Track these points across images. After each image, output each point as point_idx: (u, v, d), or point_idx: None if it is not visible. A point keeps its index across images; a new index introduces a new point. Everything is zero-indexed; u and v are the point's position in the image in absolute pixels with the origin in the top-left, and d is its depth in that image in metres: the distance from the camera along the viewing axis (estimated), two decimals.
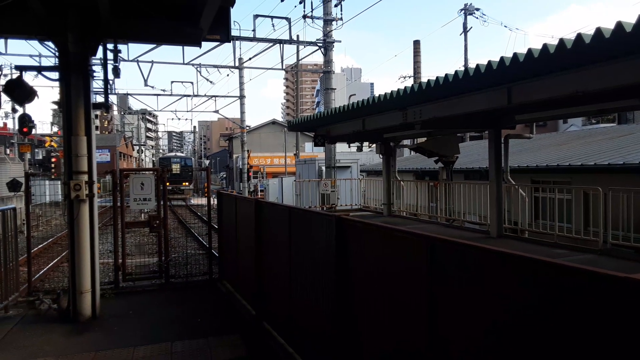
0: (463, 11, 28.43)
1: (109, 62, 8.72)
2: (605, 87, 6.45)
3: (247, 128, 35.55)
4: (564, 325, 2.17)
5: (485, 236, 11.43)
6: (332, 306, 4.31)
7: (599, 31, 5.43)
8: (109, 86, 8.88)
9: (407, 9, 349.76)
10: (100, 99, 10.32)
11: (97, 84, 8.43)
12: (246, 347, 6.42)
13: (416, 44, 31.35)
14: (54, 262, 12.78)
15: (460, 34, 28.99)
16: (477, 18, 28.67)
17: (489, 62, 7.05)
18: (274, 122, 51.95)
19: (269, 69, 20.62)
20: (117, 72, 8.96)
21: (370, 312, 3.77)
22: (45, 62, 17.57)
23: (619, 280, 1.92)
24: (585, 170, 12.97)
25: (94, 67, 7.96)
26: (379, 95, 9.84)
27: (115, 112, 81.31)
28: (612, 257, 8.69)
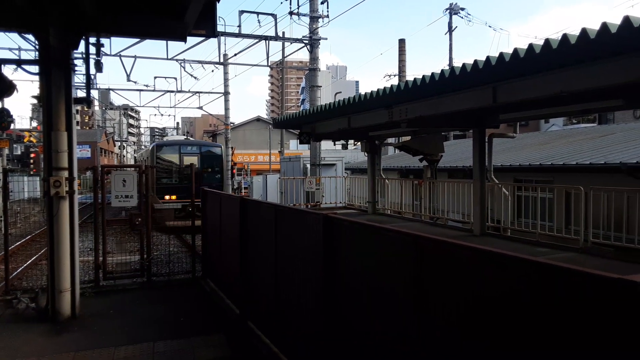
0: (448, 10, 28.60)
1: (91, 56, 8.54)
2: (590, 87, 6.51)
3: (232, 125, 35.28)
4: (529, 313, 2.29)
5: (468, 234, 11.51)
6: (320, 304, 4.27)
7: (584, 32, 5.47)
8: (90, 81, 8.69)
9: (393, 7, 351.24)
10: (81, 93, 10.13)
11: (78, 79, 8.25)
12: (230, 346, 6.34)
13: (401, 42, 31.45)
14: (32, 259, 12.50)
15: (445, 33, 29.18)
16: (462, 18, 28.87)
17: (475, 61, 7.07)
18: (258, 119, 51.69)
19: (254, 65, 20.51)
20: (99, 67, 8.77)
21: (359, 309, 3.74)
22: (25, 56, 17.16)
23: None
24: (567, 169, 13.15)
25: (76, 61, 7.78)
26: (365, 93, 9.83)
27: (97, 108, 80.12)
28: (592, 255, 8.81)
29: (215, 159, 20.95)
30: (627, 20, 4.95)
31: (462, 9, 28.45)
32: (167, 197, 18.92)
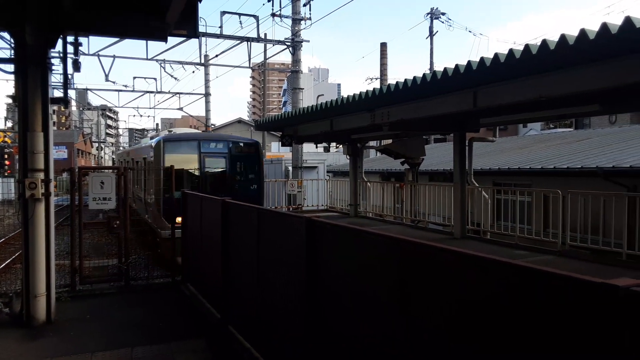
0: (429, 15, 28.90)
1: (68, 55, 8.38)
2: (568, 93, 6.63)
3: (213, 126, 34.99)
4: (511, 317, 2.31)
5: (449, 237, 11.61)
6: (303, 308, 4.24)
7: (563, 38, 5.56)
8: (68, 80, 8.52)
9: (375, 11, 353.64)
10: (58, 93, 9.91)
11: (55, 78, 8.09)
12: (211, 351, 6.25)
13: (383, 46, 31.66)
14: (6, 263, 12.18)
15: (427, 38, 29.47)
16: (442, 22, 29.22)
17: (457, 65, 7.14)
18: (239, 121, 51.39)
19: (236, 66, 20.39)
20: (77, 66, 8.60)
21: (343, 313, 3.72)
22: (0, 54, 16.72)
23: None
24: (545, 173, 13.37)
25: (53, 60, 7.62)
26: (348, 96, 9.84)
27: (74, 108, 78.60)
28: (570, 258, 8.97)
29: (251, 160, 14.06)
30: (604, 27, 5.05)
31: (443, 14, 28.80)
32: (179, 219, 10.21)
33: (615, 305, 1.88)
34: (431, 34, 29.11)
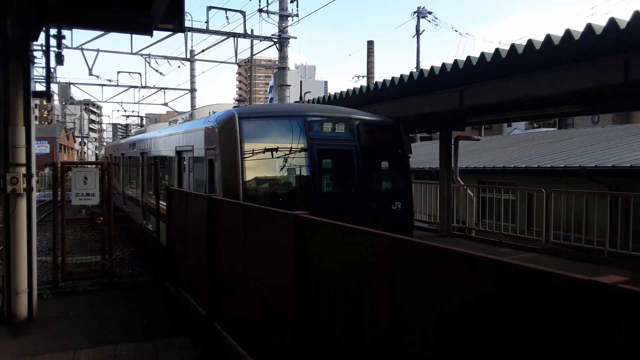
0: (416, 14, 29.00)
1: (51, 48, 8.22)
2: (553, 93, 6.71)
3: None
4: (504, 316, 2.29)
5: (434, 235, 11.70)
6: (290, 305, 4.22)
7: (548, 38, 5.62)
8: (50, 74, 8.36)
9: (362, 9, 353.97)
10: (40, 87, 9.73)
11: (37, 72, 7.93)
12: (196, 349, 6.21)
13: (370, 44, 31.71)
14: None
15: (413, 36, 29.57)
16: (429, 21, 29.42)
17: (443, 64, 7.18)
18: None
19: (222, 62, 20.23)
20: (60, 59, 8.46)
21: (333, 310, 3.71)
22: None
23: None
24: (529, 172, 13.54)
25: (35, 53, 7.47)
26: (335, 93, 9.84)
27: (57, 102, 77.32)
28: (553, 255, 9.11)
29: (390, 154, 8.25)
30: (589, 28, 5.11)
31: (430, 13, 28.92)
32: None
33: (604, 303, 1.90)
34: (418, 33, 29.22)
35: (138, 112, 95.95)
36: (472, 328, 2.48)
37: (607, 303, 1.89)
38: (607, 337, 1.89)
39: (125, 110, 41.04)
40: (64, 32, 8.26)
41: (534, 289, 2.23)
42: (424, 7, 28.65)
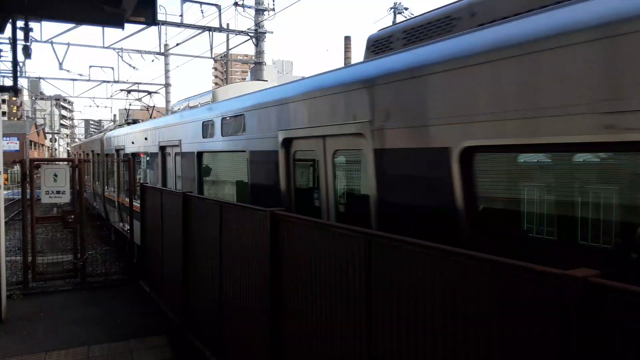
0: (393, 10, 29.09)
1: (18, 41, 7.94)
2: None
3: None
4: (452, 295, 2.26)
5: None
6: (266, 304, 4.18)
7: None
8: (18, 68, 8.09)
9: (339, 5, 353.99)
10: (8, 81, 9.41)
11: (5, 66, 7.65)
12: (172, 348, 6.11)
13: (347, 39, 31.74)
14: None
15: None
16: (405, 17, 29.44)
17: None
18: None
19: (197, 57, 19.87)
20: (27, 53, 8.17)
21: (311, 310, 3.68)
22: None
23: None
24: None
25: (2, 47, 7.22)
26: None
27: (26, 97, 75.20)
28: None
29: None
30: None
31: (406, 9, 29.03)
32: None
33: (578, 297, 1.92)
34: None
35: (111, 108, 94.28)
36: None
37: (581, 297, 1.91)
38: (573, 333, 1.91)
39: (97, 106, 40.18)
40: (32, 24, 7.97)
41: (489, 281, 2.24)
42: (400, 3, 28.76)
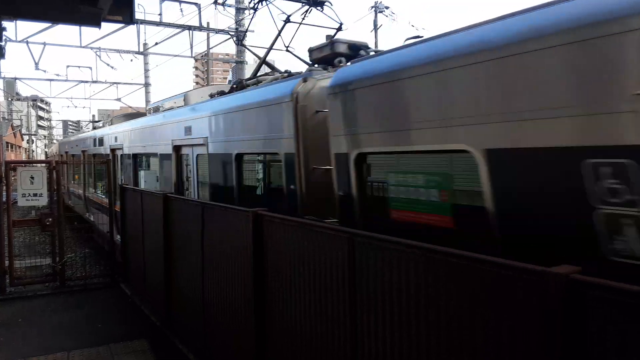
0: (373, 9, 29.14)
1: None
2: None
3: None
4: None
5: None
6: (249, 306, 4.14)
7: None
8: None
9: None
10: None
11: None
12: (154, 352, 6.02)
13: (328, 39, 31.61)
14: None
15: (371, 31, 29.71)
16: (386, 16, 29.51)
17: None
18: None
19: (177, 56, 19.66)
20: (1, 53, 7.95)
21: (295, 311, 3.66)
22: None
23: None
24: None
25: None
26: None
27: (1, 98, 73.54)
28: None
29: None
30: None
31: (387, 8, 29.12)
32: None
33: (562, 293, 1.93)
34: (375, 28, 29.38)
35: (89, 108, 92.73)
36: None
37: (566, 293, 1.92)
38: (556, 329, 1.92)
39: (75, 107, 39.38)
40: (6, 23, 7.77)
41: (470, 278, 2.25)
42: (380, 2, 28.83)
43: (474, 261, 2.30)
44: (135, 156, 10.40)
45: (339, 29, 7.68)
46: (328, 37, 7.95)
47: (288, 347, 3.69)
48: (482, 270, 2.26)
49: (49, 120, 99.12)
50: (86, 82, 25.27)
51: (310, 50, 5.98)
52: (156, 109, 11.03)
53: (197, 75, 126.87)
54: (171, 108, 9.52)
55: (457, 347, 2.37)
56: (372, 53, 5.42)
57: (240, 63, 17.17)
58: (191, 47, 17.32)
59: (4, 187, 8.73)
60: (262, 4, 8.70)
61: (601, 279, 1.86)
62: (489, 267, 2.23)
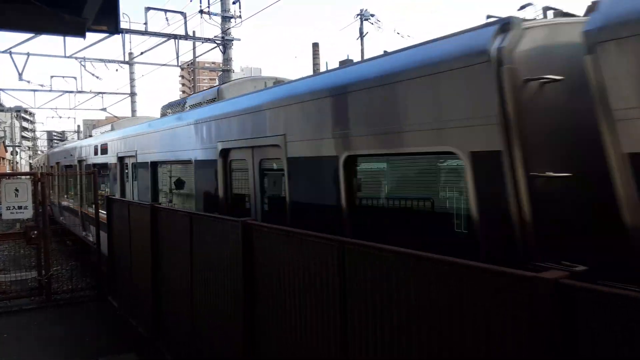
0: (359, 16, 29.36)
1: None
2: None
3: None
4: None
5: None
6: (239, 318, 4.11)
7: None
8: None
9: (307, 12, 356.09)
10: None
11: None
12: None
13: (315, 46, 31.87)
14: None
15: (357, 39, 29.89)
16: (372, 24, 29.73)
17: None
18: None
19: (163, 65, 19.54)
20: None
21: (284, 319, 3.63)
22: None
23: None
24: None
25: None
26: None
27: None
28: None
29: None
30: None
31: (372, 15, 29.35)
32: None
33: (553, 297, 1.94)
34: (361, 35, 29.59)
35: (74, 119, 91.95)
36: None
37: (557, 297, 1.93)
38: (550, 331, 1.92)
39: (60, 117, 38.99)
40: None
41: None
42: (366, 10, 29.07)
43: (466, 268, 2.30)
44: (154, 164, 8.59)
45: None
46: None
47: (279, 356, 3.66)
48: (474, 276, 2.26)
49: (34, 131, 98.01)
50: (71, 92, 25.07)
51: None
52: (176, 106, 9.04)
53: (183, 84, 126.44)
54: (199, 104, 7.91)
55: (448, 352, 2.36)
56: None
57: (226, 72, 17.15)
58: (177, 56, 17.25)
59: None
60: None
61: (589, 284, 1.88)
62: (481, 273, 2.24)
